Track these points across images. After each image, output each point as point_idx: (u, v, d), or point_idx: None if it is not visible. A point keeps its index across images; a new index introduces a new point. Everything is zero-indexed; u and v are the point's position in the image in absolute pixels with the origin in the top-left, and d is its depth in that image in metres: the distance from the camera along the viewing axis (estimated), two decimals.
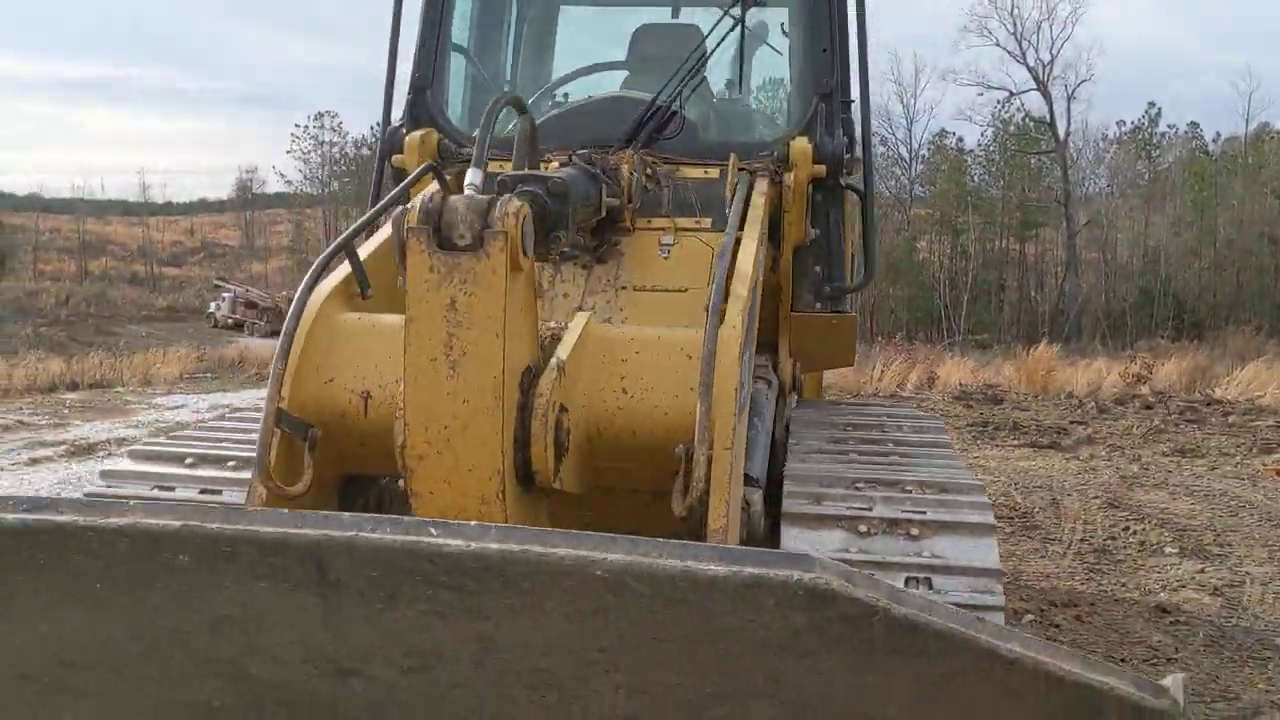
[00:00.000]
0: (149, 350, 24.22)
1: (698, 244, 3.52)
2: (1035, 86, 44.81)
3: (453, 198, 2.27)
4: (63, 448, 10.68)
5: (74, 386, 17.71)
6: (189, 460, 3.34)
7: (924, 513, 3.00)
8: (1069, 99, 45.11)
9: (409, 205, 2.28)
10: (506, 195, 2.32)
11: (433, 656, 1.69)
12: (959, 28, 65.74)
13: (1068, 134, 45.92)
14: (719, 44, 3.88)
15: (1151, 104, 56.69)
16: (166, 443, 3.64)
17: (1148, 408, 14.43)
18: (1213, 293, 47.56)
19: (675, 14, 5.11)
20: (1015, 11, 43.88)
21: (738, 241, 2.97)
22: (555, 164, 3.29)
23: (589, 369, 2.64)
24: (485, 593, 1.54)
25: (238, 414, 4.28)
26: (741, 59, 4.06)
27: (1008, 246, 46.70)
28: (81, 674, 1.85)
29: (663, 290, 3.43)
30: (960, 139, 51.93)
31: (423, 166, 3.53)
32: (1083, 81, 45.62)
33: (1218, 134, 52.65)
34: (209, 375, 21.60)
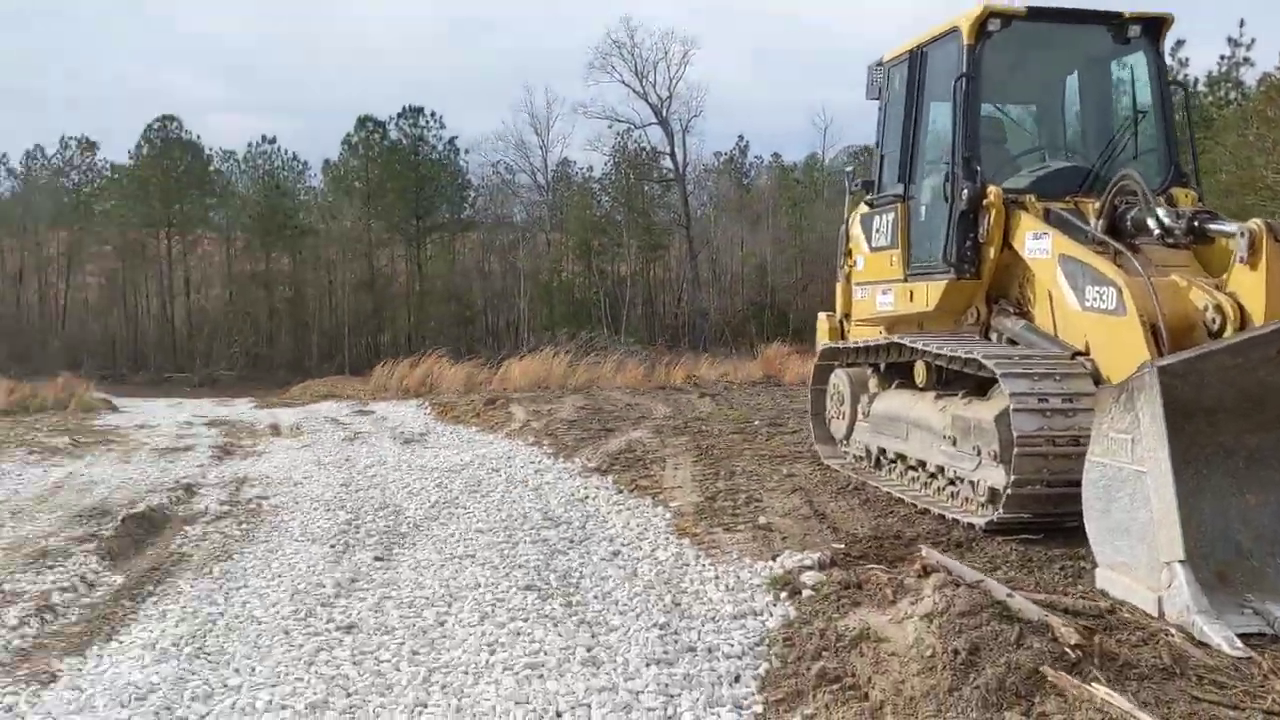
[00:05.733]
0: None
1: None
2: (656, 120, 49.32)
3: (1272, 222, 4.93)
4: None
5: None
6: None
7: None
8: (684, 132, 50.15)
9: (1251, 227, 4.90)
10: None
11: None
12: (587, 64, 69.80)
13: (685, 164, 51.05)
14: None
15: (741, 137, 63.67)
16: None
17: None
18: (803, 304, 55.17)
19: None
20: (635, 50, 47.68)
21: None
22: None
23: None
24: None
25: None
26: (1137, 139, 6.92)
27: (633, 268, 50.94)
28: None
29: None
30: (590, 168, 56.39)
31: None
32: (694, 116, 50.76)
33: (794, 164, 60.33)
34: None
